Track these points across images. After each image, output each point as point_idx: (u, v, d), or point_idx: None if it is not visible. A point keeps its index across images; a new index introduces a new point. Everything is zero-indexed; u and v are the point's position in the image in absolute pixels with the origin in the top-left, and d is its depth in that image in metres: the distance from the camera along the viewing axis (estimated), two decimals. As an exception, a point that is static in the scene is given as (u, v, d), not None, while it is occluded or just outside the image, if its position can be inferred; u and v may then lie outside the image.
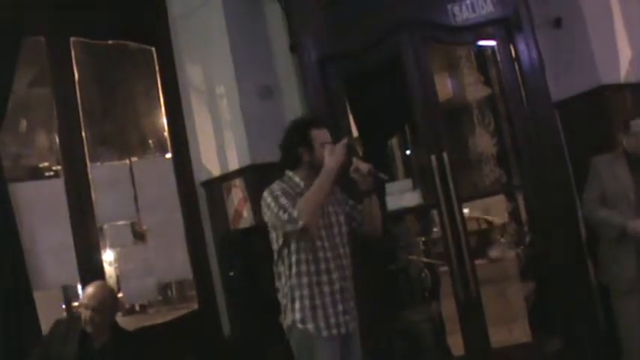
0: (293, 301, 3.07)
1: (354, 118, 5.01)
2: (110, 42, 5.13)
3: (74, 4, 4.66)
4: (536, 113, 4.48)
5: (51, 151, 6.59)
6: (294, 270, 3.06)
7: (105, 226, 4.93)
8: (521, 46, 4.49)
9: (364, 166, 3.08)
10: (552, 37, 4.57)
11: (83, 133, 4.80)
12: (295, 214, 2.89)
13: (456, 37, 4.65)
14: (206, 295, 5.08)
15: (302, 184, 3.10)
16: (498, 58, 4.61)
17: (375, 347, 4.17)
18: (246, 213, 4.74)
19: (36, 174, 6.80)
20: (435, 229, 5.58)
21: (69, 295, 6.59)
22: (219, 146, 4.96)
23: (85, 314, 3.53)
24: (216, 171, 5.00)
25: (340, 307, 3.08)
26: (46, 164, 6.98)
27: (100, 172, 4.91)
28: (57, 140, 4.83)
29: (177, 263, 5.13)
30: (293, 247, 3.06)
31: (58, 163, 5.46)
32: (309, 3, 4.62)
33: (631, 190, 3.77)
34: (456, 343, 4.53)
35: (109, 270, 5.51)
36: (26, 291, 4.31)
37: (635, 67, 4.57)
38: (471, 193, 5.28)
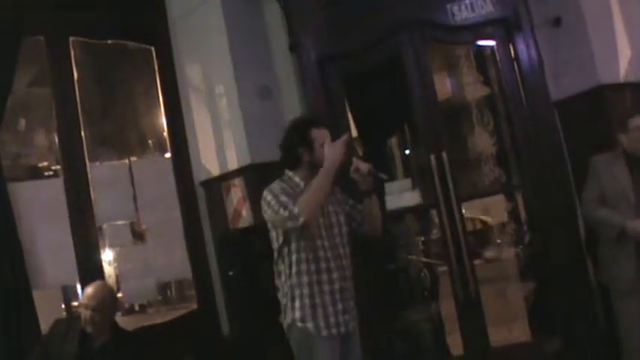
0: (293, 300, 3.08)
1: (354, 117, 5.00)
2: (109, 42, 5.13)
3: (74, 4, 4.67)
4: (535, 113, 4.48)
5: (50, 151, 6.59)
6: (294, 269, 3.07)
7: (104, 226, 4.94)
8: (521, 46, 4.49)
9: (364, 166, 3.09)
10: (552, 37, 4.56)
11: (82, 133, 4.81)
12: (296, 210, 2.89)
13: (455, 36, 4.65)
14: (205, 295, 5.08)
15: (302, 183, 3.11)
16: (498, 58, 4.61)
17: (374, 347, 4.17)
18: (246, 212, 4.74)
19: (35, 173, 6.79)
20: (434, 231, 5.58)
21: (68, 294, 6.59)
22: (219, 146, 4.96)
23: (85, 314, 3.53)
24: (215, 170, 5.00)
25: (340, 307, 3.08)
26: (45, 164, 6.97)
27: (99, 172, 4.91)
28: (56, 140, 4.84)
29: (176, 263, 5.13)
30: (293, 245, 3.06)
31: (57, 163, 5.47)
32: (309, 3, 4.62)
33: (630, 189, 3.76)
34: (455, 342, 4.53)
35: (109, 269, 5.50)
36: (26, 290, 4.32)
37: (635, 67, 4.57)
38: (470, 193, 5.27)
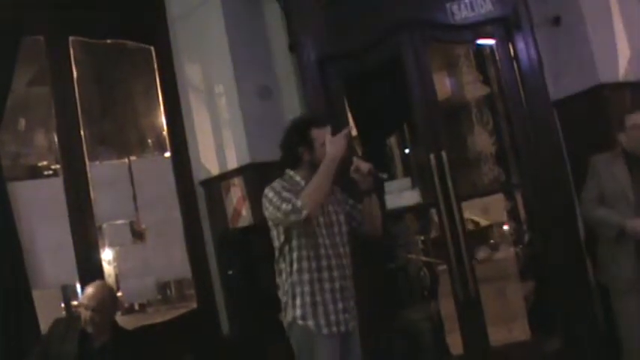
0: (294, 298, 3.08)
1: (354, 117, 5.01)
2: (109, 41, 5.12)
3: (73, 4, 4.67)
4: (534, 112, 4.49)
5: (50, 150, 6.59)
6: (295, 266, 3.07)
7: (104, 225, 4.94)
8: (520, 45, 4.50)
9: (364, 166, 3.09)
10: (551, 36, 4.57)
11: (82, 132, 4.80)
12: (299, 203, 2.90)
13: (454, 35, 4.66)
14: (205, 294, 5.08)
15: (302, 182, 3.11)
16: (497, 57, 4.62)
17: (374, 346, 4.18)
18: (245, 212, 4.74)
19: (35, 173, 6.80)
20: (434, 230, 5.58)
21: (68, 294, 6.60)
22: (218, 145, 4.96)
23: (85, 314, 3.54)
24: (215, 170, 5.00)
25: (340, 306, 3.09)
26: (44, 163, 6.98)
27: (98, 171, 4.90)
28: (56, 139, 4.83)
29: (176, 262, 5.13)
30: (294, 243, 3.07)
31: (57, 162, 5.47)
32: (309, 3, 4.63)
33: (629, 189, 3.76)
34: (455, 341, 4.53)
35: (108, 269, 5.50)
36: (25, 290, 4.32)
37: (634, 66, 4.57)
38: (469, 192, 5.27)
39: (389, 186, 4.49)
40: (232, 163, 4.85)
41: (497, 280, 5.77)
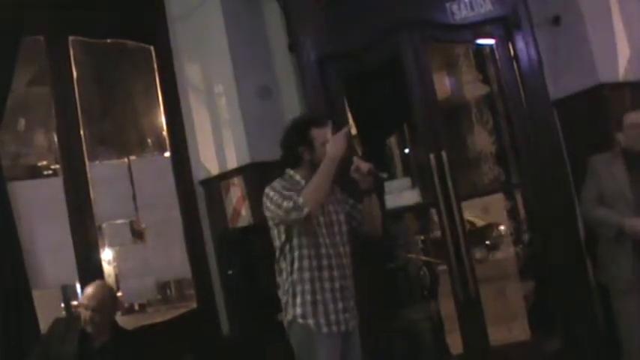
0: (294, 297, 3.08)
1: (353, 117, 5.01)
2: (109, 41, 5.12)
3: (73, 4, 4.67)
4: (534, 112, 4.49)
5: (50, 150, 6.60)
6: (296, 265, 3.07)
7: (104, 225, 4.94)
8: (520, 45, 4.50)
9: (365, 166, 3.10)
10: (551, 36, 4.56)
11: (82, 132, 4.80)
12: (300, 200, 2.90)
13: (454, 35, 4.66)
14: (205, 294, 5.08)
15: (303, 182, 3.10)
16: (497, 57, 4.62)
17: (374, 346, 4.17)
18: (245, 211, 4.74)
19: (35, 173, 6.79)
20: (434, 230, 5.58)
21: (68, 294, 6.60)
22: (218, 145, 4.96)
23: (85, 315, 3.53)
24: (214, 170, 5.00)
25: (340, 305, 3.09)
26: (44, 163, 6.98)
27: (98, 171, 4.90)
28: (56, 139, 4.84)
29: (176, 262, 5.13)
30: (295, 242, 3.07)
31: (56, 162, 5.47)
32: (308, 2, 4.63)
33: (628, 189, 3.76)
34: (455, 341, 4.54)
35: (108, 269, 5.50)
36: (25, 290, 4.32)
37: (634, 66, 4.57)
38: (469, 192, 5.27)
39: (389, 186, 4.49)
40: (232, 163, 4.85)
41: (497, 279, 5.76)
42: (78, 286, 5.00)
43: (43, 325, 4.12)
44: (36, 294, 4.39)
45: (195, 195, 5.15)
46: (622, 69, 4.55)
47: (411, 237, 5.68)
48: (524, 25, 4.48)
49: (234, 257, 4.64)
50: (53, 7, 4.67)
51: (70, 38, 4.84)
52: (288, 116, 4.24)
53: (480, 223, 10.11)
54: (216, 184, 4.97)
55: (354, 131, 5.01)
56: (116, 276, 5.44)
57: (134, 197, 5.00)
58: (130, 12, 5.01)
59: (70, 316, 5.50)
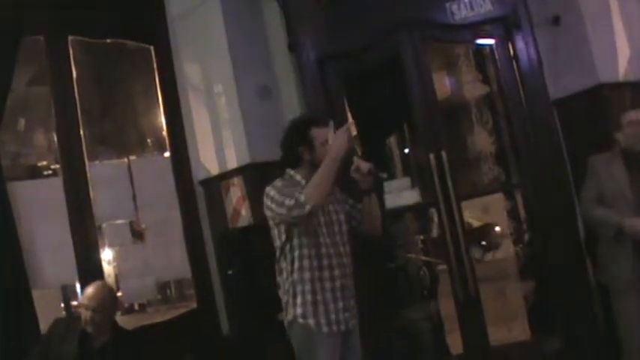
0: (295, 296, 3.08)
1: (353, 117, 5.00)
2: (109, 41, 5.12)
3: (73, 4, 4.67)
4: (534, 112, 4.49)
5: (49, 150, 6.60)
6: (296, 265, 3.07)
7: (103, 225, 4.94)
8: (520, 45, 4.50)
9: (365, 166, 3.09)
10: (551, 36, 4.56)
11: (82, 132, 4.80)
12: (302, 198, 2.89)
13: (454, 35, 4.66)
14: (205, 294, 5.08)
15: (303, 182, 3.10)
16: (497, 57, 4.62)
17: (374, 345, 4.17)
18: (245, 211, 4.74)
19: (34, 173, 6.80)
20: (434, 230, 5.59)
21: (68, 294, 6.60)
22: (218, 145, 4.96)
23: (85, 315, 3.53)
24: (214, 170, 5.00)
25: (341, 304, 3.09)
26: (44, 163, 6.98)
27: (98, 171, 4.90)
28: (55, 139, 4.84)
29: (175, 262, 5.13)
30: (295, 242, 3.07)
31: (56, 162, 5.48)
32: (308, 2, 4.63)
33: (628, 189, 3.76)
34: (454, 341, 4.54)
35: (108, 269, 5.49)
36: (25, 290, 4.31)
37: (634, 66, 4.57)
38: (469, 192, 5.27)
39: (389, 185, 4.49)
40: (232, 163, 4.85)
41: (497, 279, 5.77)
42: (78, 286, 4.99)
43: (43, 325, 4.12)
44: (36, 294, 4.39)
45: (195, 195, 5.15)
46: (622, 69, 4.55)
47: (410, 237, 5.69)
48: (524, 25, 4.47)
49: (234, 257, 4.63)
50: (53, 7, 4.67)
51: (70, 38, 4.84)
52: (288, 116, 4.24)
53: (476, 223, 10.14)
54: (216, 184, 4.97)
55: (354, 131, 5.01)
56: (116, 276, 5.45)
57: (134, 197, 5.00)
58: (129, 12, 5.01)
59: (70, 316, 5.49)
